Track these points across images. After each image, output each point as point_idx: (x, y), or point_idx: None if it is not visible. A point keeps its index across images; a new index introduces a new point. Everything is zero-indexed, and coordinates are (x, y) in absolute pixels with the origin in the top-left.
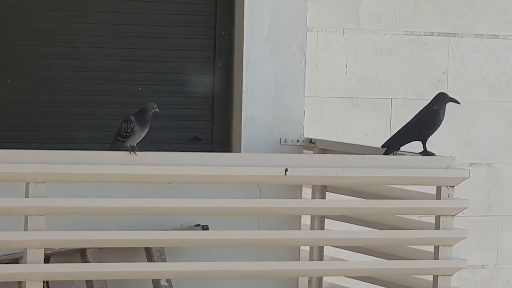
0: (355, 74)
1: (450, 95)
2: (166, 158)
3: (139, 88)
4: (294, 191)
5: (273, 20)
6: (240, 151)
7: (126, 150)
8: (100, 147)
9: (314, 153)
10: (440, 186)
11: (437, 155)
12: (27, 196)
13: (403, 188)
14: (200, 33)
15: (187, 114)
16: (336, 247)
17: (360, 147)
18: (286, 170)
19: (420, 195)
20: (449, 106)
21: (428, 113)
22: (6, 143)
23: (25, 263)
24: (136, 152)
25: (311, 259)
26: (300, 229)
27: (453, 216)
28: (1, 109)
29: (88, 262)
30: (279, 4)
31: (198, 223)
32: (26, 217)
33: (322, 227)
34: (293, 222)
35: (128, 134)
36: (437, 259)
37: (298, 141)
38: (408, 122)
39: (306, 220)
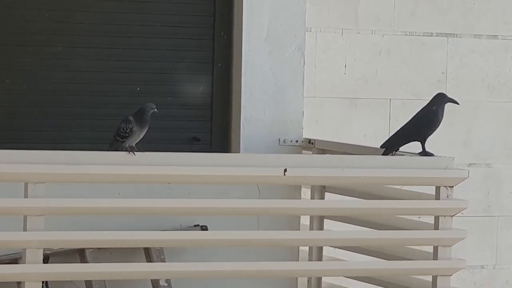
0: (354, 74)
1: (449, 95)
2: (165, 158)
3: (138, 89)
4: (293, 191)
5: (272, 20)
6: (239, 152)
7: (125, 151)
8: (99, 148)
9: (313, 153)
10: (439, 187)
11: (436, 156)
12: (26, 196)
13: (402, 188)
14: (199, 33)
15: (186, 115)
16: (335, 247)
17: (359, 148)
18: (285, 170)
19: (419, 196)
20: (448, 106)
21: (427, 113)
22: (5, 143)
23: (24, 263)
24: (135, 152)
25: (310, 259)
26: (299, 230)
27: (452, 216)
28: (0, 109)
29: (87, 262)
30: (278, 4)
31: (197, 223)
32: (25, 217)
33: (321, 228)
34: (292, 222)
35: (127, 134)
36: (436, 259)
37: (297, 141)
38: (407, 123)
39: (305, 220)
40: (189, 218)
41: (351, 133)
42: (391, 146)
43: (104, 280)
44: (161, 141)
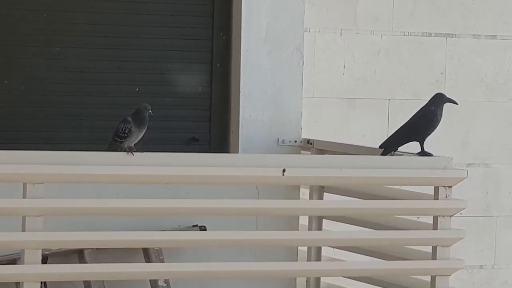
0: (352, 74)
1: (448, 95)
2: (164, 159)
3: (137, 89)
4: (292, 191)
5: (270, 20)
6: (237, 152)
7: (124, 151)
8: (98, 148)
9: (311, 153)
10: (438, 187)
11: (435, 156)
12: (24, 196)
13: (401, 188)
14: (198, 33)
15: (184, 115)
16: (333, 247)
17: (357, 148)
18: (284, 170)
19: (418, 196)
20: (447, 106)
21: (426, 113)
22: (3, 144)
23: (23, 264)
24: (134, 153)
25: (309, 259)
26: (298, 230)
27: (450, 216)
28: None
29: (86, 262)
30: (276, 4)
31: (196, 224)
32: (23, 218)
33: (320, 228)
34: (291, 222)
35: (125, 134)
36: (435, 259)
37: (295, 141)
38: (406, 123)
39: (304, 220)
40: (188, 219)
41: (350, 133)
42: (390, 146)
43: (103, 281)
44: (159, 141)
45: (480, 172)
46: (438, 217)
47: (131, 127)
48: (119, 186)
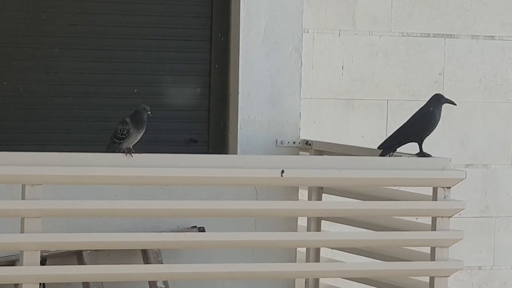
0: (351, 75)
1: (446, 96)
2: (162, 160)
3: (135, 90)
4: (291, 192)
5: (269, 21)
6: (236, 153)
7: (122, 152)
8: (96, 149)
9: (310, 154)
10: (437, 188)
11: (433, 156)
12: (23, 198)
13: (399, 189)
14: (196, 34)
15: (183, 116)
16: (332, 248)
17: (356, 149)
18: (283, 171)
19: (416, 197)
20: (445, 107)
21: (425, 114)
22: (2, 145)
23: (22, 265)
24: (132, 154)
25: (307, 260)
26: (296, 231)
27: (449, 217)
28: None
29: (85, 264)
30: (275, 5)
31: (194, 225)
32: (22, 219)
33: (318, 229)
34: (289, 223)
35: (124, 136)
36: (434, 260)
37: (294, 142)
38: (404, 124)
39: (302, 221)
40: (187, 220)
41: (349, 134)
42: (388, 147)
43: (102, 282)
44: (158, 142)
45: (478, 173)
46: (437, 218)
47: (129, 128)
48: (117, 187)
